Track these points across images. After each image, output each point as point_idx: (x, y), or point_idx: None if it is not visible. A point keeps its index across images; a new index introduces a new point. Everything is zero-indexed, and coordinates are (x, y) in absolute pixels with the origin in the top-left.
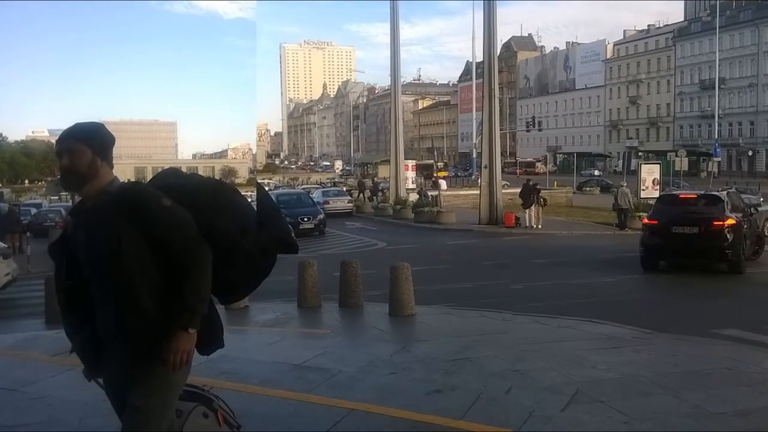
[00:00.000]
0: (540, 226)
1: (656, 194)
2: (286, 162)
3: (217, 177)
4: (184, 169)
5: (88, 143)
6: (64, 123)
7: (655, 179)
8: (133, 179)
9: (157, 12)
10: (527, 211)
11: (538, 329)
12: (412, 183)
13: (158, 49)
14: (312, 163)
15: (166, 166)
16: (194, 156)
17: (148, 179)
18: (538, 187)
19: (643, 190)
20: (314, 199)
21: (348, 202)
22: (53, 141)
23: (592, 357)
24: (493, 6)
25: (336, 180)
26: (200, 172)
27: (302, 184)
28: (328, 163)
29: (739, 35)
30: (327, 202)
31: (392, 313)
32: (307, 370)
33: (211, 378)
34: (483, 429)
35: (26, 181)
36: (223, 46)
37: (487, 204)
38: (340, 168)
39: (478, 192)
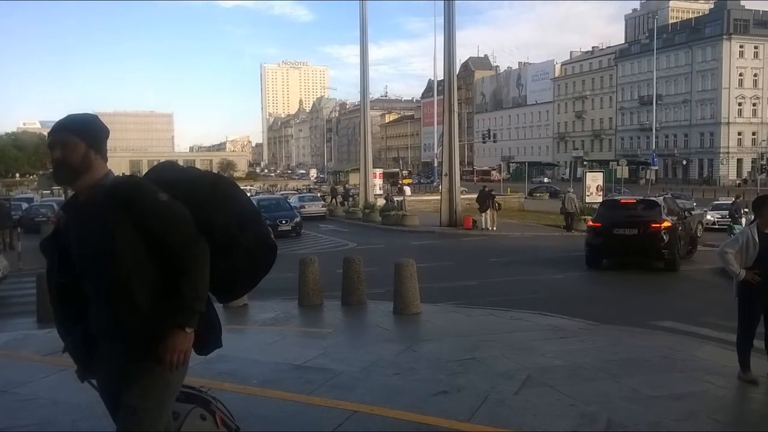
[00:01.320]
0: (495, 228)
1: (600, 199)
2: (266, 170)
3: (215, 170)
4: (180, 163)
5: (81, 135)
6: (57, 114)
7: (598, 186)
8: (128, 173)
9: (154, 4)
10: (483, 214)
11: (494, 321)
12: (380, 189)
13: (155, 39)
14: (289, 172)
15: (163, 159)
16: (191, 149)
17: (144, 173)
18: (493, 193)
19: (588, 195)
20: (291, 204)
21: (322, 207)
22: (45, 133)
23: (542, 346)
24: (452, 30)
25: (311, 186)
26: (198, 166)
27: (281, 190)
28: (304, 171)
29: (674, 56)
30: (303, 207)
31: (397, 311)
32: (309, 371)
33: (209, 379)
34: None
35: (17, 175)
36: (222, 35)
37: (447, 208)
38: (315, 176)
39: (439, 197)
